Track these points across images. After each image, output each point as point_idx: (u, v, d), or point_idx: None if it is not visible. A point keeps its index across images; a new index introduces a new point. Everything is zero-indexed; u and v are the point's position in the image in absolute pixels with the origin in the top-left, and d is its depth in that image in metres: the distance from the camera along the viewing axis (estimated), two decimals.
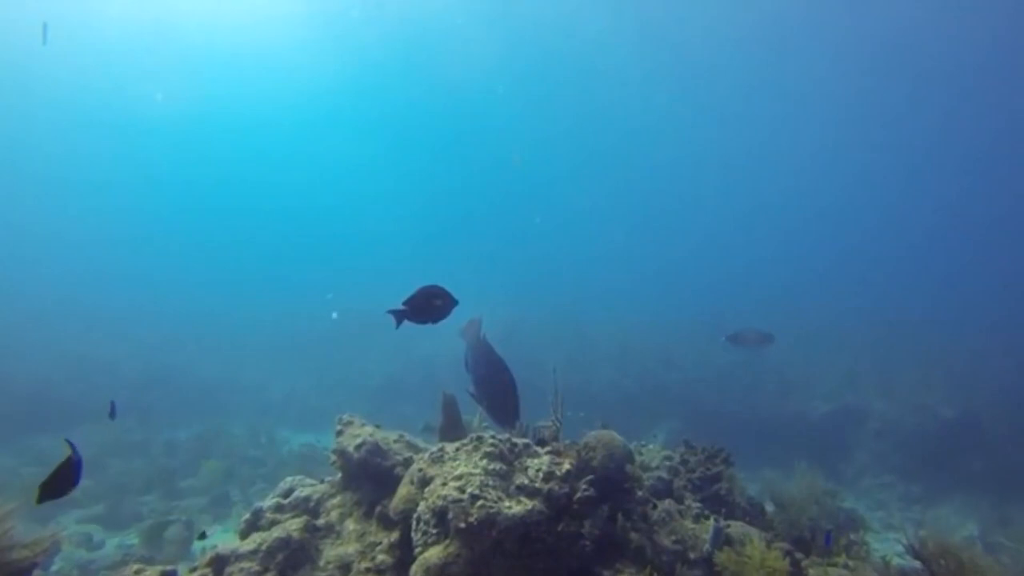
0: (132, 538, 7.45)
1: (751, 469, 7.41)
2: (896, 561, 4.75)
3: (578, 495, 2.88)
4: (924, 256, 32.05)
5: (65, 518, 7.97)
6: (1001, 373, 12.48)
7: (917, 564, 3.33)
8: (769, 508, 4.59)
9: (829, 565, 3.53)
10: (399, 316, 2.94)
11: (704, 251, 36.62)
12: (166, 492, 8.82)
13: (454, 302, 2.97)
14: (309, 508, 3.70)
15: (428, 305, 2.93)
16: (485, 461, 2.94)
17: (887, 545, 8.38)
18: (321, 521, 3.54)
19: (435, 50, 25.74)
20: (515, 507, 2.71)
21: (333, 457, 3.93)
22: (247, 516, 3.66)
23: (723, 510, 3.85)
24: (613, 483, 3.46)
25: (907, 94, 23.57)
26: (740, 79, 25.24)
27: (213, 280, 33.22)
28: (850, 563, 3.61)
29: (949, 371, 12.34)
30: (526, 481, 2.87)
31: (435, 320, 2.96)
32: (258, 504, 3.74)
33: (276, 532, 3.33)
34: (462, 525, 2.63)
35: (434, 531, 2.75)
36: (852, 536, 4.04)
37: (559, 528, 2.77)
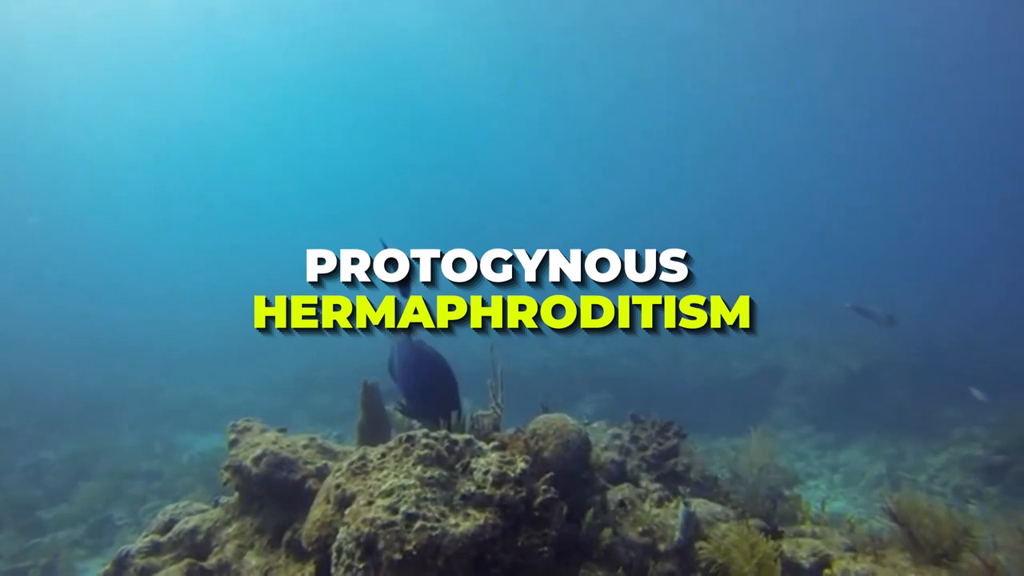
0: None
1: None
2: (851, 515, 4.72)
3: (539, 499, 2.36)
4: (829, 229, 34.83)
5: None
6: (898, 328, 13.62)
7: (885, 524, 3.20)
8: (721, 475, 4.38)
9: (797, 535, 3.33)
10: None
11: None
12: (22, 529, 7.24)
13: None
14: (196, 544, 2.91)
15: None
16: (420, 468, 2.34)
17: (811, 493, 8.77)
18: (213, 560, 2.78)
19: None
20: (463, 524, 2.15)
21: (226, 475, 3.15)
22: (107, 567, 2.81)
23: (688, 489, 3.52)
24: (571, 475, 3.00)
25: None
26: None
27: (87, 283, 29.53)
28: (817, 530, 3.44)
29: (855, 330, 13.18)
30: (473, 488, 2.31)
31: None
32: (124, 548, 2.89)
33: None
34: (397, 556, 2.02)
35: (360, 565, 2.12)
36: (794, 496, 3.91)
37: (519, 543, 2.24)
